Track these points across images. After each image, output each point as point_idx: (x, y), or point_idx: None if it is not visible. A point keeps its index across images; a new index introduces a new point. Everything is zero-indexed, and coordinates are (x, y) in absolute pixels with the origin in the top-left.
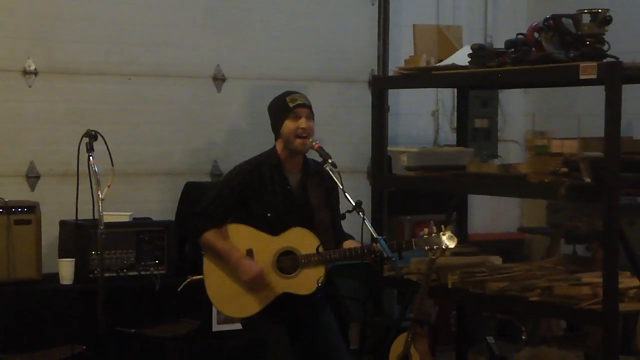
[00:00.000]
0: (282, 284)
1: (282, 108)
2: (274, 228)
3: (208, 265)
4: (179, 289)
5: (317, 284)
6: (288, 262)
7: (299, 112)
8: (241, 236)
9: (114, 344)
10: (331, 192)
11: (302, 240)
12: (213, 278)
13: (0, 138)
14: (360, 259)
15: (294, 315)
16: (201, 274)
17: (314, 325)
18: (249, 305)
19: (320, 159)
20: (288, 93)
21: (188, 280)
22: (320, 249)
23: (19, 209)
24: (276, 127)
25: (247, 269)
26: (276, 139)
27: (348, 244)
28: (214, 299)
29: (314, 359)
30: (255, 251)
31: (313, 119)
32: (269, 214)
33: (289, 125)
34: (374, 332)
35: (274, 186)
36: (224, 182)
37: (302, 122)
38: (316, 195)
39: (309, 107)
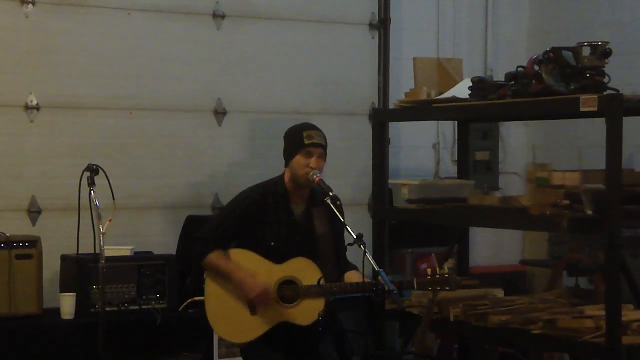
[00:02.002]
0: (282, 313)
1: (296, 142)
2: (276, 257)
3: (210, 289)
4: (179, 309)
5: (318, 317)
6: (289, 291)
7: (311, 150)
8: (244, 261)
9: None
10: (336, 222)
11: (304, 270)
12: (214, 302)
13: (1, 172)
14: (361, 292)
15: (293, 345)
16: (202, 307)
17: (312, 356)
18: (248, 331)
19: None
20: (306, 127)
21: (189, 300)
22: (322, 282)
23: (20, 244)
24: (287, 156)
25: (253, 286)
26: (286, 166)
27: (350, 276)
28: (213, 322)
29: None
30: (256, 277)
31: (325, 158)
32: (272, 243)
33: (299, 160)
34: None
35: (278, 215)
36: (229, 208)
37: (313, 162)
38: (321, 225)
39: (324, 146)
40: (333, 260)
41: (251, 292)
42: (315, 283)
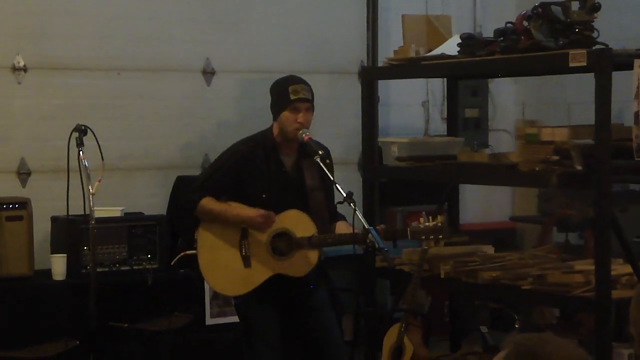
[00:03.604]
0: (276, 265)
1: (283, 97)
2: (268, 209)
3: (203, 242)
4: (172, 263)
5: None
6: (282, 243)
7: (299, 106)
8: None
9: (107, 339)
10: (326, 177)
11: (298, 222)
12: (207, 255)
13: None
14: (354, 243)
15: (286, 297)
16: (195, 261)
17: (305, 305)
18: (242, 284)
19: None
20: (292, 81)
21: (182, 254)
22: (315, 234)
23: (10, 206)
24: (275, 111)
25: (254, 214)
26: (274, 120)
27: (340, 226)
28: (207, 276)
29: (307, 337)
30: (250, 230)
31: (313, 111)
32: (263, 195)
33: (287, 116)
34: (367, 323)
35: (269, 168)
36: (219, 162)
37: (300, 117)
38: (311, 176)
39: (310, 100)
40: (324, 211)
41: (255, 219)
42: (309, 234)
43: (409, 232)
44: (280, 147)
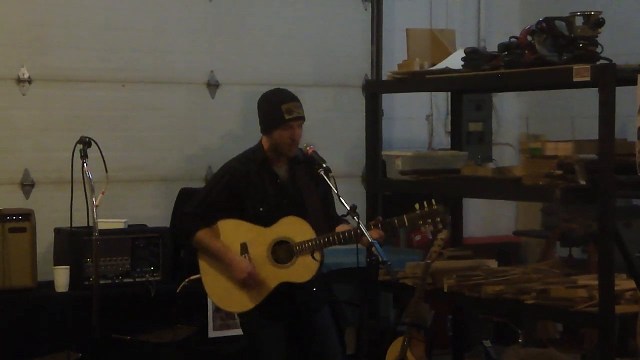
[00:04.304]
0: (279, 274)
1: (277, 116)
2: (267, 221)
3: (204, 262)
4: (177, 290)
5: (313, 257)
6: (283, 251)
7: (293, 124)
8: (235, 230)
9: (110, 351)
10: (319, 178)
11: (295, 228)
12: (210, 275)
13: None
14: (354, 241)
15: (292, 310)
16: (198, 274)
17: (310, 325)
18: (248, 299)
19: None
20: (283, 99)
21: (186, 281)
22: (314, 238)
23: (14, 217)
24: (267, 128)
25: (241, 268)
26: (263, 134)
27: (341, 228)
28: (212, 295)
29: (310, 357)
30: (249, 244)
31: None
32: (261, 209)
33: (282, 134)
34: (370, 336)
35: (263, 181)
36: (213, 181)
37: (295, 134)
38: (305, 183)
39: (303, 117)
40: (322, 215)
41: (239, 273)
42: (308, 239)
43: (405, 219)
44: (271, 159)
